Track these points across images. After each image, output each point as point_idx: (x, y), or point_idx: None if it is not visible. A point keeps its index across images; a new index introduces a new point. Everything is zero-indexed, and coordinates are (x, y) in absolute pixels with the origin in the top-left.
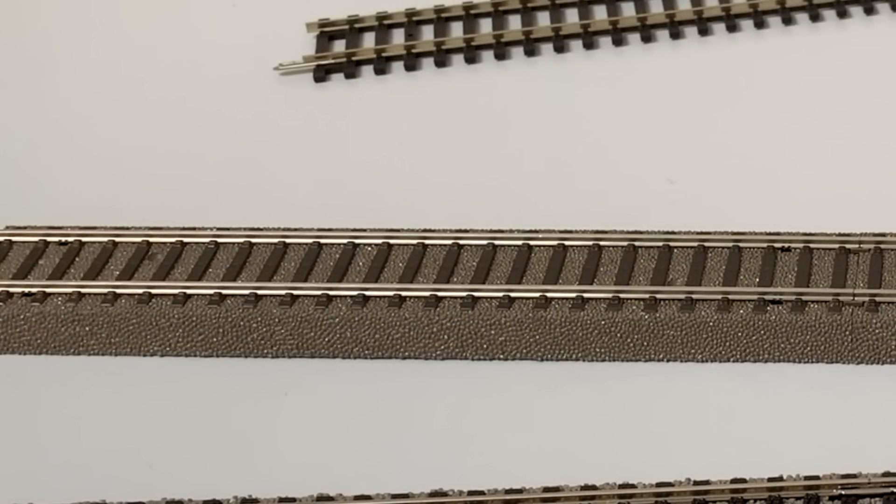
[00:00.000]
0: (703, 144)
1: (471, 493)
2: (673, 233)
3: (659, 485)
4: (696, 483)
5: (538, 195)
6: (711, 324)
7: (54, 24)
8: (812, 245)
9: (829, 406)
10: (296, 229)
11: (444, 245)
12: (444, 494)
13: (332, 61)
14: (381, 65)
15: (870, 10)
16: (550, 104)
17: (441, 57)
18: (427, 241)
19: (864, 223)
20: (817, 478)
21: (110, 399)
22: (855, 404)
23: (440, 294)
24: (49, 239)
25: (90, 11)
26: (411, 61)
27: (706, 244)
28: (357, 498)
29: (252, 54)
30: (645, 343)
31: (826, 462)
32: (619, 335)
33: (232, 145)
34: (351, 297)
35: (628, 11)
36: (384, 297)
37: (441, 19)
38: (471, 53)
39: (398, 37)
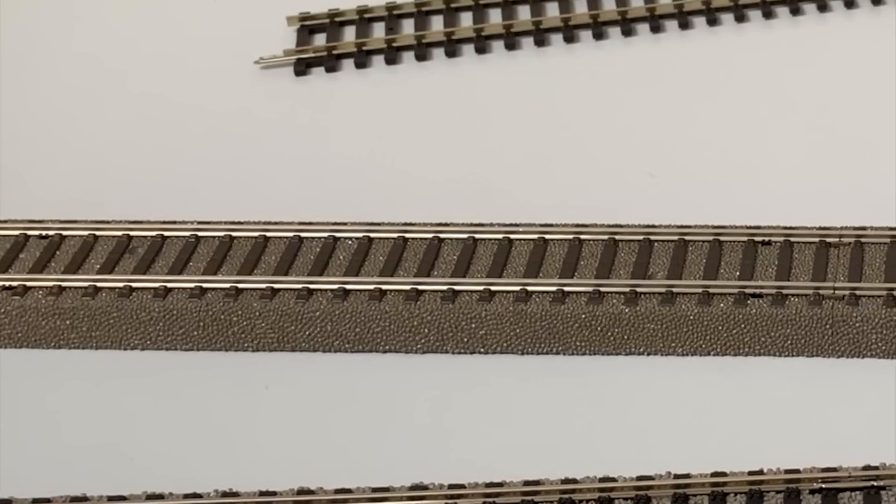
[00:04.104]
0: (683, 138)
1: (451, 486)
2: (653, 226)
3: (639, 478)
4: (677, 476)
5: (519, 189)
6: (692, 317)
7: (35, 19)
8: (792, 239)
9: (810, 400)
10: (276, 223)
11: (425, 239)
12: (425, 488)
13: (313, 55)
14: (362, 58)
15: (850, 4)
16: (531, 98)
17: (421, 50)
18: (407, 235)
19: (845, 217)
20: (798, 471)
21: (91, 393)
22: (835, 398)
23: (421, 288)
24: (29, 233)
25: (71, 6)
26: (392, 55)
27: (687, 238)
28: (337, 491)
29: (233, 48)
30: (625, 336)
31: (806, 456)
32: (599, 329)
33: (213, 139)
34: (331, 290)
35: (609, 5)
36: (365, 290)
37: (421, 13)
38: (451, 47)
39: (379, 30)
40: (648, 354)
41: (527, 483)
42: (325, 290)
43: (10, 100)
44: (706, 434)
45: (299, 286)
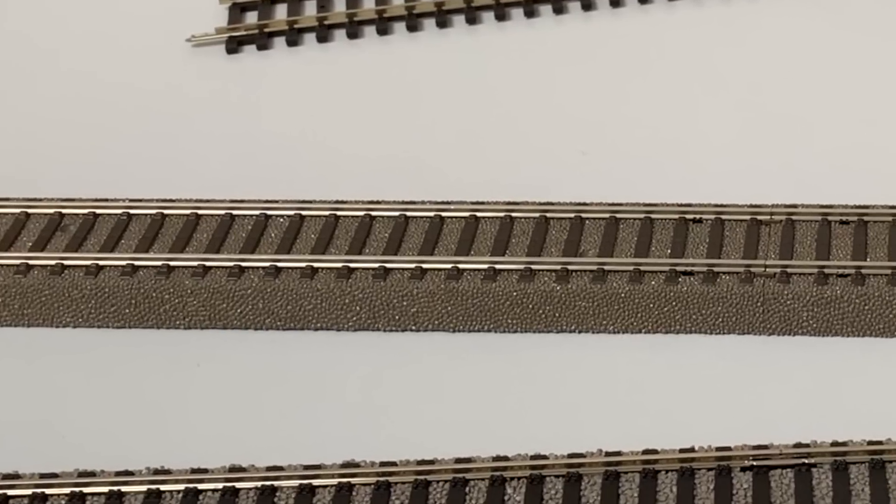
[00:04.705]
0: (615, 116)
1: (383, 464)
2: (585, 204)
3: (571, 456)
4: (608, 454)
5: (450, 167)
6: (623, 295)
7: None
8: (724, 216)
9: (741, 377)
10: (208, 201)
11: (357, 216)
12: (356, 466)
13: (245, 33)
14: (294, 36)
15: None
16: (462, 76)
17: (353, 29)
18: (339, 213)
19: (776, 195)
20: (729, 449)
21: (22, 370)
22: (766, 375)
23: (352, 265)
24: None
25: None
26: (323, 33)
27: (618, 215)
28: (269, 469)
29: (165, 26)
30: (557, 314)
31: (738, 433)
32: (530, 306)
33: (145, 117)
34: (263, 268)
35: None
36: (296, 268)
37: None
38: (383, 25)
39: (310, 8)
40: (580, 332)
41: (458, 460)
42: (257, 267)
43: None
44: (637, 411)
45: (231, 264)
